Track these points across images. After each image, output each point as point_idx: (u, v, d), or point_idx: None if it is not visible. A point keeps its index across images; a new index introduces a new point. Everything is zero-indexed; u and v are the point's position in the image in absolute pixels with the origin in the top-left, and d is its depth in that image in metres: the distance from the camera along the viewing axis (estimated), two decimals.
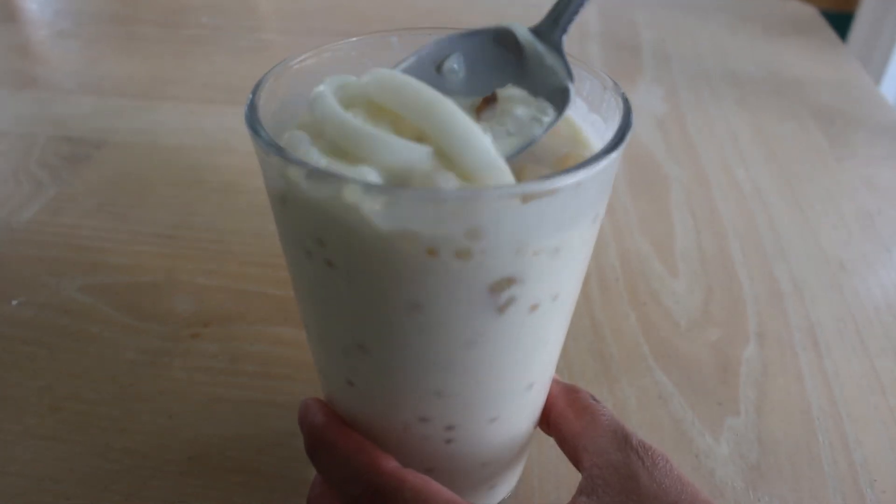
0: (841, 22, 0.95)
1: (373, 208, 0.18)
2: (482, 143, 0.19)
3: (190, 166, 0.53)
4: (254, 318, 0.40)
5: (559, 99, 0.22)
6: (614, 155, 0.19)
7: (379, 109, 0.21)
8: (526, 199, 0.18)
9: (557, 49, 0.23)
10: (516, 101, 0.22)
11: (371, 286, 0.20)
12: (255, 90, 0.22)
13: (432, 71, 0.24)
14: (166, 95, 0.63)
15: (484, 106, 0.22)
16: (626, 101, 0.22)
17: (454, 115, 0.19)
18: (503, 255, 0.19)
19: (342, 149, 0.20)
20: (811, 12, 0.84)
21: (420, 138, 0.20)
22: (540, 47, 0.23)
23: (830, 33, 0.79)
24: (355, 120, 0.20)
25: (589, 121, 0.24)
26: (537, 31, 0.24)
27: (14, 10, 0.82)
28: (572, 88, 0.22)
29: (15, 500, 0.31)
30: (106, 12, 0.82)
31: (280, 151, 0.19)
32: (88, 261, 0.44)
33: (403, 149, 0.19)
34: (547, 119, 0.22)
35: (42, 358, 0.37)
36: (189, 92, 0.64)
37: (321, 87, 0.21)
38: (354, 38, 0.25)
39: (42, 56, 0.72)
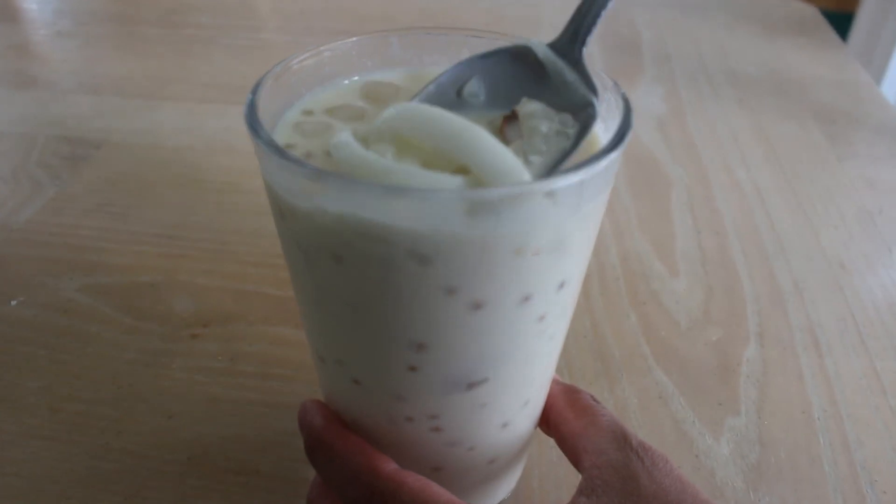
0: (841, 22, 0.95)
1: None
2: (515, 168, 0.19)
3: (190, 166, 0.53)
4: (254, 318, 0.40)
5: (584, 115, 0.22)
6: (614, 155, 0.19)
7: (406, 144, 0.20)
8: (527, 199, 0.18)
9: (578, 64, 0.23)
10: (538, 116, 0.22)
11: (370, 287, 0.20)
12: (255, 90, 0.22)
13: (453, 96, 0.24)
14: (166, 95, 0.63)
15: (506, 124, 0.22)
16: (626, 101, 0.22)
17: (486, 141, 0.19)
18: (504, 256, 0.19)
19: None
20: (811, 12, 0.84)
21: (455, 171, 0.19)
22: (560, 63, 0.23)
23: (831, 33, 0.79)
24: (381, 159, 0.19)
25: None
26: (555, 46, 0.24)
27: (14, 9, 0.82)
28: (597, 103, 0.22)
29: (14, 501, 0.31)
30: (105, 12, 0.82)
31: (280, 152, 0.19)
32: (88, 261, 0.44)
33: (434, 182, 0.19)
34: (571, 131, 0.22)
35: (41, 358, 0.37)
36: (189, 92, 0.64)
37: (341, 136, 0.20)
38: (354, 38, 0.25)
39: (41, 56, 0.72)
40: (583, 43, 0.23)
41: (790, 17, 0.83)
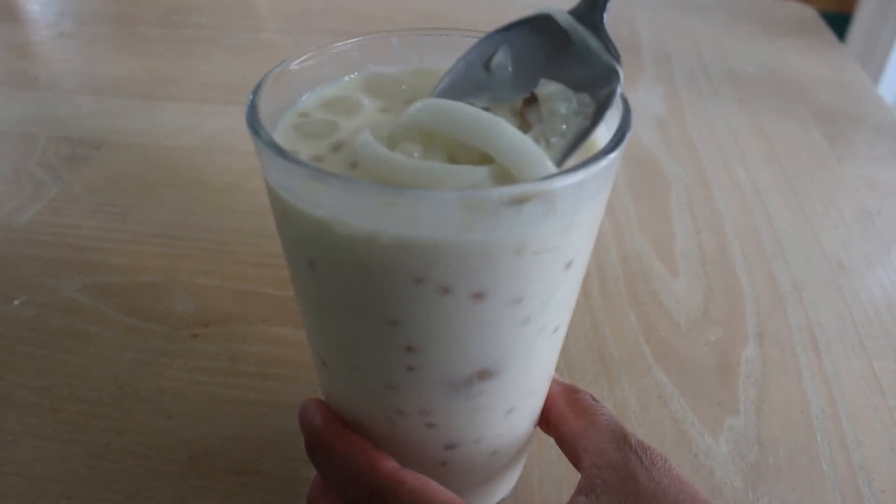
0: (839, 23, 0.95)
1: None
2: (536, 154, 0.20)
3: (190, 166, 0.53)
4: (254, 318, 0.40)
5: (609, 81, 0.22)
6: (613, 155, 0.19)
7: (431, 136, 0.21)
8: (526, 199, 0.18)
9: (599, 30, 0.23)
10: (557, 98, 0.22)
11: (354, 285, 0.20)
12: (256, 90, 0.22)
13: (482, 71, 0.24)
14: (166, 95, 0.63)
15: (526, 107, 0.22)
16: (625, 102, 0.22)
17: (508, 130, 0.20)
18: (504, 256, 0.19)
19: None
20: (810, 13, 0.84)
21: (479, 161, 0.20)
22: (582, 29, 0.23)
23: (829, 34, 0.79)
24: (405, 158, 0.20)
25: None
26: (575, 13, 0.24)
27: (15, 10, 0.82)
28: (621, 71, 0.22)
29: (14, 501, 0.31)
30: (106, 12, 0.82)
31: (280, 152, 0.19)
32: (88, 261, 0.44)
33: (461, 174, 0.19)
34: (590, 110, 0.22)
35: (42, 358, 0.37)
36: (189, 92, 0.64)
37: (362, 137, 0.21)
38: (354, 38, 0.25)
39: (43, 56, 0.72)
40: (602, 9, 0.23)
41: (790, 18, 0.83)
